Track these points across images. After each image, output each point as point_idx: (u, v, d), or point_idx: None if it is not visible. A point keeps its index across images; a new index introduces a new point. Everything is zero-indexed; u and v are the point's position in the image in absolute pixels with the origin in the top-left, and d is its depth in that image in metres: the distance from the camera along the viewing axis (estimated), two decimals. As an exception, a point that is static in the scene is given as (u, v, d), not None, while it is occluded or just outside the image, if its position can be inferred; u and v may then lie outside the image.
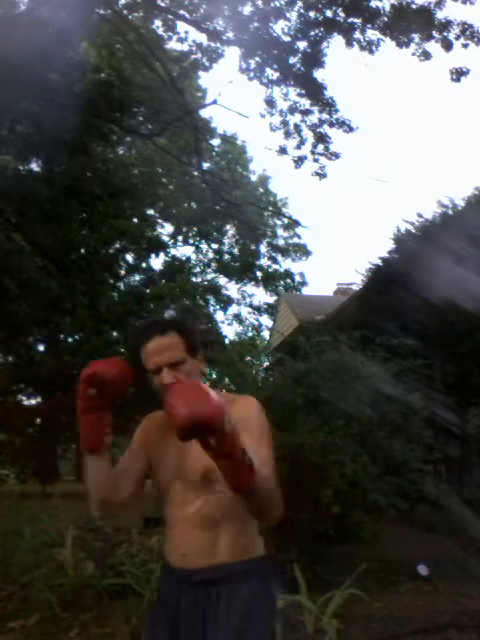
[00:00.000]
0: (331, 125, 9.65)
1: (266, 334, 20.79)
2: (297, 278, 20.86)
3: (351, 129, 9.61)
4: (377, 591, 4.36)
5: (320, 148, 9.87)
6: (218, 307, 21.56)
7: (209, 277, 21.65)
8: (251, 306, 22.40)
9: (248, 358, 6.08)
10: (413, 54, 8.61)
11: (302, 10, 8.81)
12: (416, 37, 8.46)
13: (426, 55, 8.58)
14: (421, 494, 5.12)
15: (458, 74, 8.34)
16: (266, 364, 6.67)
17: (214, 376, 7.31)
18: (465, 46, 8.21)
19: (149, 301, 17.09)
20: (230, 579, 1.46)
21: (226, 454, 1.19)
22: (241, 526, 1.50)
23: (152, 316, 1.62)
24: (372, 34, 8.67)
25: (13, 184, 10.06)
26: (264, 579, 1.51)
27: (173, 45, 10.84)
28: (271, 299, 21.36)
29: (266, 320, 21.78)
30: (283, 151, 10.24)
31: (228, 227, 20.03)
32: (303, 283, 21.06)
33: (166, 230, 19.91)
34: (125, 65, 11.16)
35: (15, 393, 18.78)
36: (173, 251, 20.30)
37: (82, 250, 14.12)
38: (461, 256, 6.31)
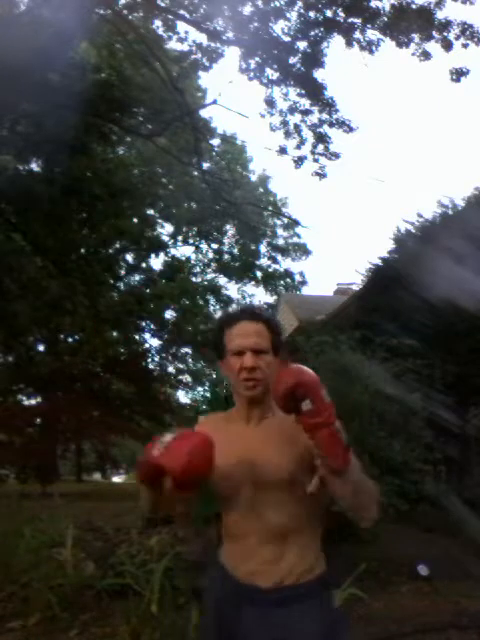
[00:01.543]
0: (331, 125, 9.65)
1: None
2: (297, 278, 20.84)
3: (351, 129, 9.62)
4: (377, 591, 4.36)
5: (320, 148, 9.88)
6: (218, 307, 21.55)
7: (209, 277, 21.65)
8: (251, 306, 22.38)
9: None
10: (413, 54, 8.63)
11: (302, 10, 8.81)
12: (416, 37, 8.47)
13: (426, 55, 8.59)
14: (421, 494, 5.12)
15: (458, 74, 8.35)
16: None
17: (214, 376, 7.33)
18: (465, 46, 8.21)
19: (149, 301, 17.10)
20: (302, 598, 1.40)
21: (326, 421, 1.24)
22: (310, 541, 1.47)
23: (242, 305, 1.72)
24: (372, 34, 8.69)
25: (13, 184, 10.06)
26: (330, 595, 1.47)
27: (173, 45, 10.85)
28: (271, 299, 21.36)
29: (266, 320, 21.74)
30: (283, 151, 10.25)
31: (228, 227, 20.01)
32: (303, 283, 21.04)
33: (166, 230, 19.91)
34: (125, 65, 11.15)
35: (15, 393, 18.78)
36: (173, 251, 20.31)
37: (82, 250, 14.12)
38: (461, 256, 6.31)
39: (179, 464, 1.21)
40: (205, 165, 12.93)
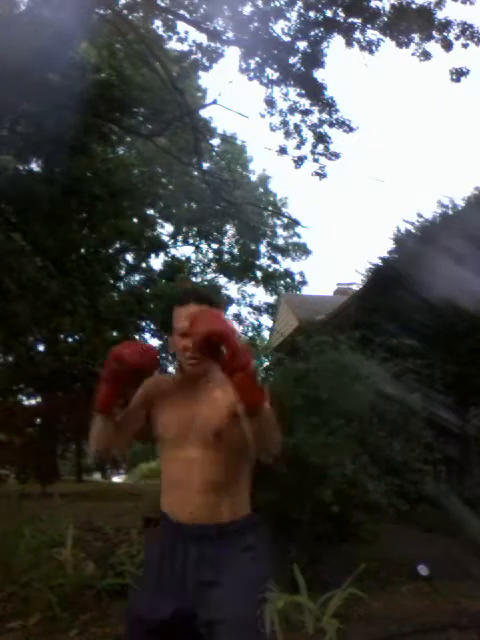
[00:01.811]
0: (331, 125, 9.65)
1: (266, 334, 20.79)
2: (297, 278, 20.84)
3: (351, 129, 9.61)
4: (377, 591, 4.36)
5: (320, 148, 9.87)
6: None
7: (209, 277, 21.64)
8: (251, 306, 22.39)
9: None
10: (413, 54, 8.63)
11: (302, 10, 8.81)
12: (416, 37, 8.47)
13: (426, 55, 8.59)
14: (421, 494, 5.11)
15: (458, 74, 8.34)
16: (266, 364, 6.66)
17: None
18: (465, 46, 8.21)
19: (149, 301, 17.09)
20: (235, 534, 1.62)
21: (241, 365, 1.39)
22: (239, 488, 1.69)
23: (193, 286, 1.89)
24: (372, 34, 8.68)
25: (13, 184, 10.06)
26: (259, 531, 1.70)
27: (173, 45, 10.85)
28: (271, 299, 21.36)
29: (266, 320, 21.77)
30: (283, 151, 10.25)
31: (228, 227, 20.00)
32: (303, 283, 21.02)
33: (166, 230, 19.90)
34: (125, 65, 11.15)
35: (15, 393, 18.77)
36: (173, 251, 20.30)
37: (82, 250, 14.11)
38: (461, 256, 6.31)
39: (133, 351, 1.54)
40: (205, 165, 12.93)
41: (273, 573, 1.70)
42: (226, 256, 20.91)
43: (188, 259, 20.70)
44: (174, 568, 1.61)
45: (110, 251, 16.82)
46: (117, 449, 1.73)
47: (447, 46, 8.28)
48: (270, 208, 19.82)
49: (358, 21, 8.63)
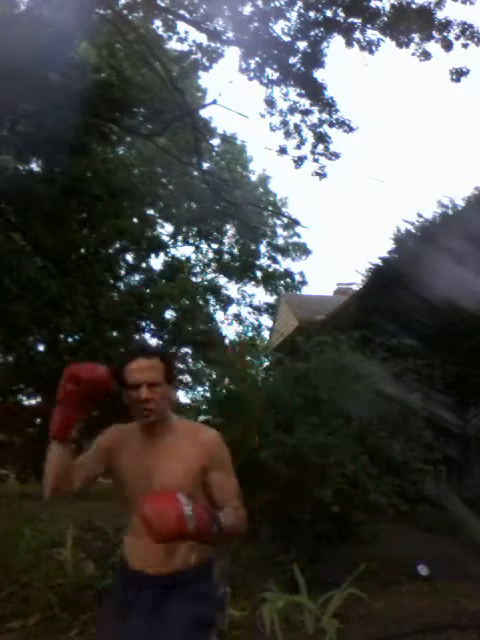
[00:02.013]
0: (331, 125, 9.64)
1: (266, 334, 20.79)
2: (297, 278, 20.82)
3: (351, 129, 9.61)
4: (377, 591, 4.36)
5: (320, 148, 9.87)
6: (218, 307, 21.53)
7: (209, 277, 21.63)
8: (251, 306, 22.38)
9: (248, 358, 6.08)
10: (413, 54, 8.62)
11: (302, 10, 8.81)
12: (416, 37, 8.47)
13: (426, 55, 8.58)
14: (421, 494, 5.11)
15: (458, 74, 8.34)
16: (266, 364, 6.66)
17: (214, 376, 7.31)
18: (465, 46, 8.21)
19: (149, 301, 17.08)
20: (182, 583, 1.67)
21: (201, 538, 1.48)
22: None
23: (139, 343, 2.01)
24: (372, 34, 8.68)
25: (13, 184, 10.06)
26: (208, 579, 1.73)
27: (173, 45, 10.84)
28: (271, 299, 21.34)
29: (266, 320, 21.75)
30: (283, 151, 10.24)
31: (228, 227, 20.00)
32: (303, 283, 21.01)
33: (166, 230, 19.89)
34: (125, 65, 11.14)
35: (15, 393, 18.77)
36: (173, 251, 20.29)
37: (82, 250, 14.11)
38: (461, 256, 6.31)
39: (88, 368, 1.62)
40: (205, 165, 12.92)
41: (215, 618, 1.76)
42: (226, 256, 20.90)
43: (188, 259, 20.71)
44: (125, 612, 1.68)
45: (110, 251, 16.82)
46: (73, 488, 1.70)
47: (447, 46, 8.28)
48: (270, 208, 19.81)
49: (358, 21, 8.63)
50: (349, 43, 8.80)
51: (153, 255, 19.03)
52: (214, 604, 1.74)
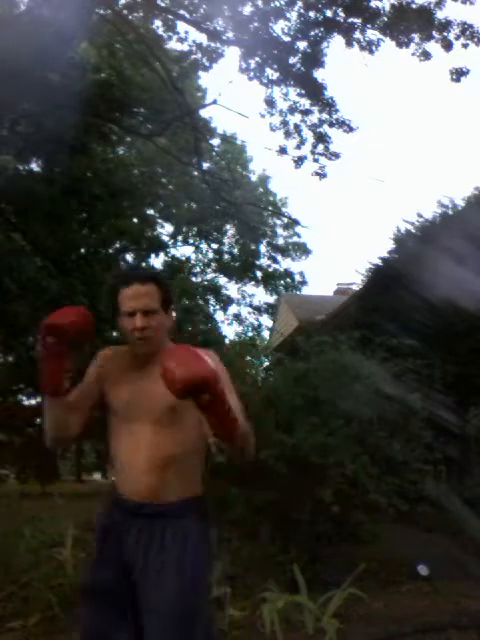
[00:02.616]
0: (331, 125, 9.64)
1: (266, 334, 20.79)
2: (297, 278, 20.84)
3: (351, 129, 9.61)
4: (377, 591, 4.36)
5: (320, 148, 9.87)
6: (218, 307, 21.54)
7: (209, 277, 21.64)
8: (251, 306, 22.39)
9: (248, 358, 6.09)
10: (413, 54, 8.62)
11: (302, 10, 8.81)
12: (416, 37, 8.46)
13: (426, 55, 8.58)
14: (421, 494, 5.11)
15: (458, 74, 8.34)
16: (266, 364, 6.67)
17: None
18: (465, 46, 8.21)
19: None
20: (174, 514, 1.59)
21: (218, 411, 1.36)
22: (189, 467, 1.64)
23: (133, 267, 1.84)
24: (372, 34, 8.68)
25: (13, 184, 10.06)
26: (201, 515, 1.65)
27: (173, 45, 10.84)
28: (271, 299, 21.35)
29: (266, 320, 21.77)
30: (283, 151, 10.24)
31: (228, 227, 20.00)
32: (303, 283, 21.03)
33: (166, 230, 19.90)
34: (125, 65, 11.14)
35: (15, 393, 18.77)
36: (173, 251, 20.29)
37: (82, 250, 14.11)
38: (461, 256, 6.31)
39: (64, 314, 1.50)
40: (205, 165, 12.92)
41: (213, 561, 1.70)
42: (226, 256, 20.91)
43: (188, 259, 20.71)
44: (113, 540, 1.63)
45: (110, 251, 16.81)
46: (73, 433, 1.65)
47: (447, 46, 8.28)
48: (270, 208, 19.81)
49: (358, 21, 8.63)
50: (349, 43, 8.80)
51: (153, 255, 19.04)
52: (205, 545, 1.64)
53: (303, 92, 9.56)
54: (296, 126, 9.92)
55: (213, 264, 21.29)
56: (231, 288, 22.09)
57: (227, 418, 1.38)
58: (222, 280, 21.56)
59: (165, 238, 19.72)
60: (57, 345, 1.50)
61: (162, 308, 1.64)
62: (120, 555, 1.60)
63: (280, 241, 21.17)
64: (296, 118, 9.86)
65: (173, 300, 1.72)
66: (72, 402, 1.63)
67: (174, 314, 1.76)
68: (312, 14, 8.81)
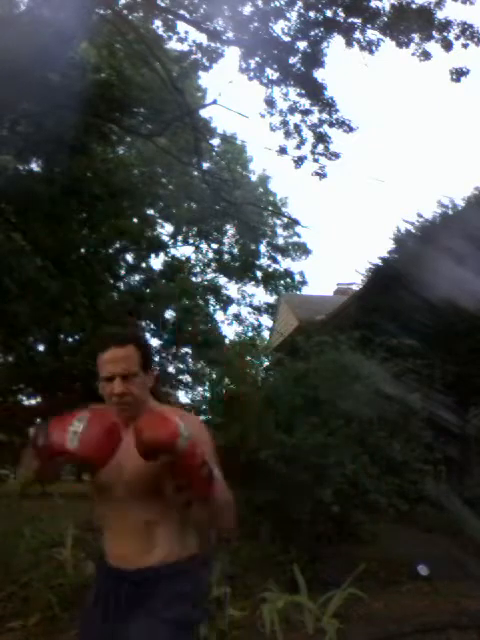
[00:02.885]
0: (331, 125, 9.64)
1: (266, 334, 20.79)
2: (297, 278, 20.84)
3: (351, 129, 9.61)
4: (377, 591, 4.36)
5: (320, 148, 9.87)
6: (218, 307, 21.54)
7: (209, 277, 21.64)
8: (251, 306, 22.39)
9: (248, 358, 6.09)
10: (413, 54, 8.62)
11: (302, 10, 8.81)
12: (416, 37, 8.46)
13: (426, 55, 8.58)
14: (421, 494, 5.12)
15: (458, 74, 8.34)
16: (266, 364, 6.67)
17: (214, 376, 7.32)
18: (465, 46, 8.21)
19: (149, 301, 17.10)
20: (160, 579, 1.55)
21: (186, 469, 1.35)
22: (177, 530, 1.59)
23: (113, 329, 1.76)
24: (372, 34, 8.68)
25: (13, 184, 10.06)
26: (189, 577, 1.59)
27: (173, 45, 10.84)
28: (271, 299, 21.35)
29: (266, 320, 21.76)
30: (283, 151, 10.24)
31: (228, 227, 20.00)
32: (303, 283, 21.02)
33: (166, 230, 19.90)
34: (125, 65, 11.14)
35: (15, 393, 18.78)
36: (173, 251, 20.30)
37: (82, 250, 14.11)
38: (461, 256, 6.31)
39: (98, 455, 1.38)
40: (205, 165, 12.92)
41: (204, 619, 1.68)
42: (226, 256, 20.91)
43: (188, 259, 20.72)
44: (102, 608, 1.60)
45: (110, 251, 16.83)
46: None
47: (447, 46, 8.28)
48: (270, 208, 19.82)
49: (358, 21, 8.63)
50: (349, 43, 8.80)
51: (153, 255, 19.05)
52: (196, 603, 1.61)
53: (303, 92, 9.56)
54: (296, 126, 9.92)
55: (213, 264, 21.30)
56: (231, 288, 22.10)
57: (197, 478, 1.37)
58: (222, 280, 21.58)
59: (165, 238, 19.75)
60: (60, 464, 1.49)
61: (142, 370, 1.60)
62: (106, 623, 1.59)
63: (280, 241, 21.18)
64: (296, 118, 9.88)
65: (151, 360, 1.70)
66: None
67: (155, 371, 1.73)
68: (312, 14, 8.81)
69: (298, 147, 10.05)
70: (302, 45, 9.12)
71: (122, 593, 1.57)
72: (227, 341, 15.89)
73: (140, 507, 1.56)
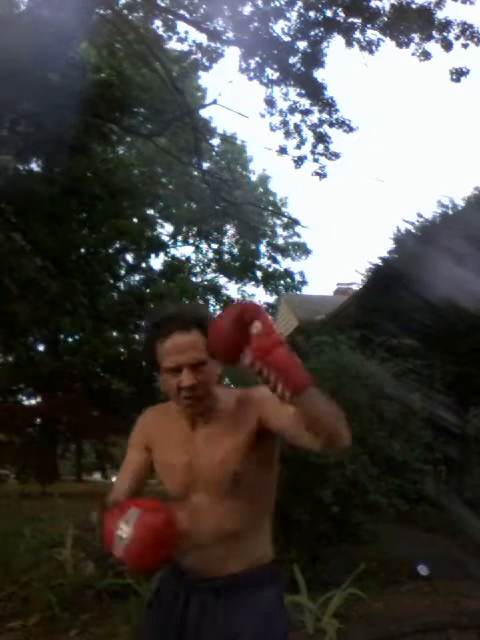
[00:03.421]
0: (331, 125, 9.65)
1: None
2: (297, 278, 20.84)
3: (351, 129, 9.62)
4: (377, 591, 4.36)
5: (320, 148, 9.88)
6: (218, 307, 21.54)
7: (209, 277, 21.65)
8: (251, 306, 22.37)
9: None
10: (413, 54, 8.63)
11: (302, 10, 8.82)
12: (416, 37, 8.47)
13: (426, 55, 8.59)
14: (421, 494, 5.12)
15: (458, 74, 8.35)
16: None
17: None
18: (465, 46, 8.22)
19: (149, 301, 17.11)
20: (244, 587, 1.39)
21: (279, 340, 1.13)
22: (258, 535, 1.45)
23: (171, 308, 1.44)
24: (372, 34, 8.69)
25: (13, 184, 10.06)
26: (276, 584, 1.46)
27: (173, 45, 10.84)
28: (271, 299, 21.36)
29: (266, 320, 21.74)
30: (283, 151, 10.25)
31: (228, 227, 20.02)
32: (303, 283, 21.04)
33: (166, 230, 19.92)
34: (125, 65, 11.15)
35: (15, 393, 18.79)
36: (173, 251, 20.31)
37: (82, 250, 14.12)
38: (461, 256, 6.31)
39: (145, 567, 1.26)
40: (205, 165, 12.93)
41: (289, 627, 1.48)
42: (226, 256, 20.92)
43: (188, 259, 20.73)
44: (173, 619, 1.42)
45: (110, 251, 16.84)
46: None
47: (447, 46, 8.28)
48: (270, 208, 19.83)
49: (358, 21, 8.63)
50: (349, 43, 8.81)
51: (153, 255, 19.06)
52: (284, 615, 1.45)
53: (303, 92, 9.56)
54: (296, 126, 9.93)
55: (213, 264, 21.31)
56: (231, 288, 22.11)
57: (290, 355, 1.14)
58: (222, 280, 21.58)
59: (165, 238, 19.76)
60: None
61: (210, 355, 1.32)
62: (179, 636, 1.41)
63: (280, 241, 21.20)
64: (296, 118, 9.89)
65: None
66: (134, 478, 1.48)
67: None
68: (312, 14, 8.82)
69: (298, 147, 10.07)
70: (302, 45, 9.15)
71: (196, 599, 1.40)
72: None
73: (223, 512, 1.39)
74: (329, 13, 8.74)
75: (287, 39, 9.11)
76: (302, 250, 21.32)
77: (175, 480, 1.43)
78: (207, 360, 1.34)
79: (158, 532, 1.19)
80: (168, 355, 1.34)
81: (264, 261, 20.80)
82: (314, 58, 9.11)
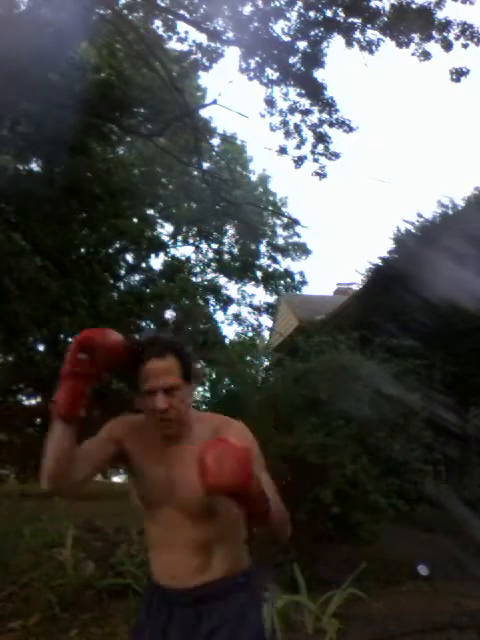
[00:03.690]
0: (331, 125, 9.64)
1: (266, 334, 20.79)
2: (297, 278, 20.83)
3: (351, 129, 9.61)
4: (377, 591, 4.36)
5: (320, 148, 9.87)
6: (218, 307, 21.54)
7: (209, 277, 21.63)
8: (251, 306, 22.39)
9: (248, 358, 6.09)
10: (413, 54, 8.62)
11: (302, 10, 8.81)
12: (416, 37, 8.46)
13: (426, 55, 8.58)
14: (421, 494, 5.12)
15: (458, 74, 8.34)
16: (266, 364, 6.67)
17: (214, 376, 7.32)
18: (465, 46, 8.20)
19: (149, 301, 17.10)
20: (220, 595, 1.46)
21: (250, 508, 1.29)
22: (232, 544, 1.52)
23: (152, 334, 1.58)
24: (372, 34, 8.67)
25: (13, 184, 10.06)
26: (251, 590, 1.54)
27: (173, 45, 10.84)
28: (271, 299, 21.35)
29: (266, 320, 21.76)
30: (283, 151, 10.24)
31: (228, 227, 20.00)
32: (303, 283, 21.01)
33: (166, 230, 19.90)
34: (125, 65, 11.14)
35: (15, 393, 18.77)
36: (173, 251, 20.29)
37: (82, 250, 14.11)
38: (461, 256, 6.31)
39: (102, 333, 1.40)
40: (205, 165, 12.92)
41: (264, 626, 1.58)
42: (226, 256, 20.91)
43: (188, 259, 20.71)
44: (156, 632, 1.49)
45: (110, 251, 16.82)
46: (76, 479, 1.44)
47: (447, 46, 8.28)
48: (270, 208, 19.82)
49: (358, 21, 8.63)
50: (349, 43, 8.80)
51: (153, 255, 19.04)
52: (259, 618, 1.54)
53: (303, 92, 9.56)
54: (296, 126, 9.92)
55: (213, 264, 21.29)
56: (231, 288, 22.09)
57: (260, 511, 1.31)
58: (222, 280, 21.56)
59: (165, 238, 19.73)
60: (88, 365, 1.40)
61: (184, 381, 1.47)
62: None
63: (280, 241, 21.18)
64: (296, 118, 9.88)
65: (193, 367, 1.53)
66: (82, 450, 1.48)
67: (199, 377, 1.63)
68: (312, 14, 8.81)
69: (298, 147, 10.06)
70: (302, 45, 9.13)
71: (176, 611, 1.47)
72: (227, 341, 15.90)
73: (194, 526, 1.47)
74: (329, 13, 8.73)
75: (287, 39, 9.10)
76: (302, 250, 21.32)
77: (149, 490, 1.51)
78: (180, 385, 1.45)
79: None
80: (146, 379, 1.44)
81: (264, 261, 20.79)
82: (314, 58, 9.10)
